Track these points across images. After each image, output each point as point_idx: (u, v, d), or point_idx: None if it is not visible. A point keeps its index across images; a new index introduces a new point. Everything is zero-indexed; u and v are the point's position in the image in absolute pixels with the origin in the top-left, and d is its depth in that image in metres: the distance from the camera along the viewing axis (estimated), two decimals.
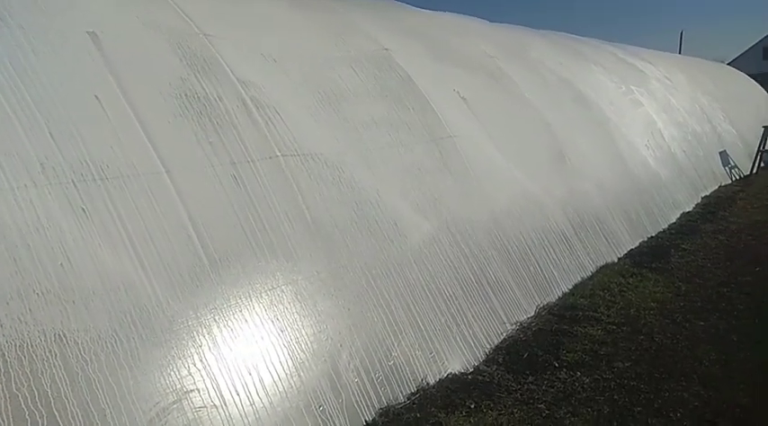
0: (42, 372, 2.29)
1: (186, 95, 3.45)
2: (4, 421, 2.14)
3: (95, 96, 3.07)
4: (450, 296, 4.09)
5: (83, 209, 2.68)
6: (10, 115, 2.70)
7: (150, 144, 3.09)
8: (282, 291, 3.17)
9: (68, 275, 2.51)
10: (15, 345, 2.27)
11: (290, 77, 4.22)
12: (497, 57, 7.03)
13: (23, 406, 2.20)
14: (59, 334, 2.38)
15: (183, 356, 2.65)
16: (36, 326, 2.33)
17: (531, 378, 3.61)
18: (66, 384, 2.32)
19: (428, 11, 7.40)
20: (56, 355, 2.34)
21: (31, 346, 2.30)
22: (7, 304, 2.31)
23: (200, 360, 2.69)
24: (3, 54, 2.89)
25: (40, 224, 2.53)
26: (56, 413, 2.25)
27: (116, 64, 3.28)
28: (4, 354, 2.23)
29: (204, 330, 2.77)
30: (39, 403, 2.23)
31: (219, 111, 3.53)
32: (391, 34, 5.77)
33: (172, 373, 2.58)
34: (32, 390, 2.24)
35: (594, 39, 11.95)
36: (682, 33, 39.25)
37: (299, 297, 3.23)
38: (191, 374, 2.63)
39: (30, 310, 2.34)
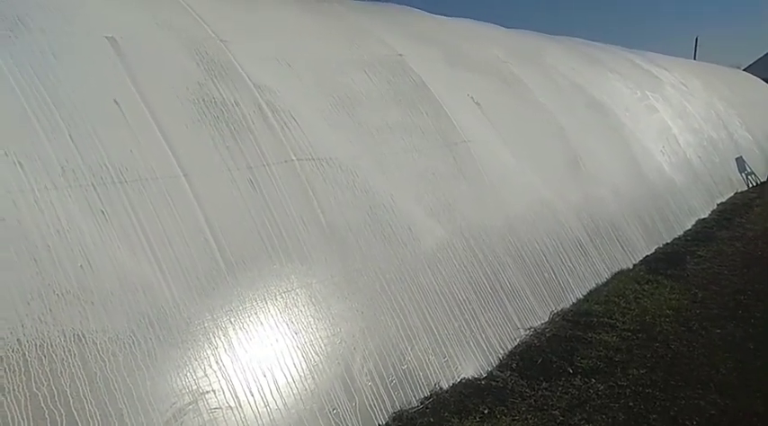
0: (62, 372, 2.32)
1: (204, 100, 3.49)
2: (24, 420, 2.18)
3: (114, 100, 3.12)
4: (464, 301, 4.09)
5: (102, 212, 2.72)
6: (31, 118, 2.75)
7: (169, 148, 3.13)
8: (297, 294, 3.19)
9: (87, 276, 2.54)
10: (36, 345, 2.30)
11: (304, 82, 4.26)
12: (511, 62, 7.03)
13: (43, 405, 2.23)
14: (78, 335, 2.42)
15: (200, 357, 2.67)
16: (56, 326, 2.37)
17: (545, 384, 3.59)
18: (85, 383, 2.35)
19: (441, 16, 7.42)
20: (75, 355, 2.37)
21: (51, 346, 2.33)
22: (28, 304, 2.34)
23: (216, 362, 2.71)
24: (24, 57, 2.94)
25: (60, 226, 2.57)
26: (74, 413, 2.28)
27: (134, 68, 3.33)
28: (24, 354, 2.27)
29: (220, 332, 2.79)
30: (58, 403, 2.26)
31: (236, 116, 3.56)
32: (404, 39, 5.79)
33: (188, 374, 2.60)
34: (52, 389, 2.27)
35: (609, 45, 11.91)
36: (696, 39, 38.84)
37: (313, 300, 3.24)
38: (206, 375, 2.66)
39: (50, 310, 2.38)
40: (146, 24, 3.69)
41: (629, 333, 4.27)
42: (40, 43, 3.08)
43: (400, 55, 5.43)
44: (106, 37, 3.39)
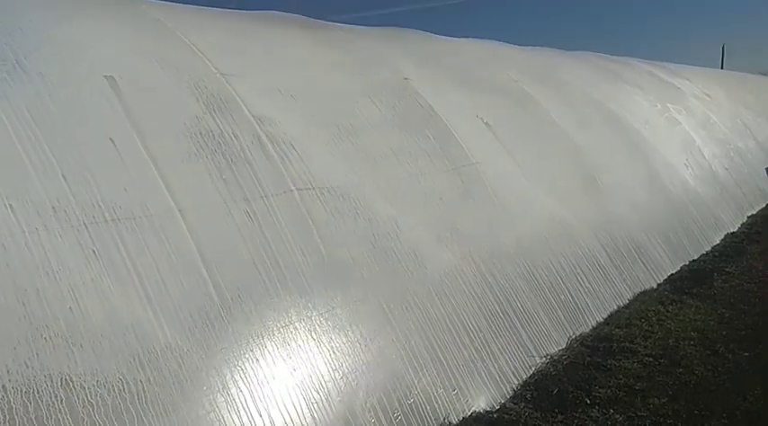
0: (48, 418, 2.28)
1: (201, 134, 3.48)
2: None
3: (111, 139, 3.12)
4: (475, 328, 3.96)
5: (93, 251, 2.70)
6: (25, 161, 2.76)
7: (163, 184, 3.11)
8: (296, 328, 3.12)
9: (77, 318, 2.51)
10: (21, 391, 2.27)
11: (307, 112, 4.23)
12: (523, 80, 6.94)
13: None
14: (66, 379, 2.38)
15: (192, 399, 2.61)
16: (42, 371, 2.33)
17: (560, 417, 3.42)
18: None
19: (450, 38, 7.38)
20: (62, 400, 2.33)
21: (37, 392, 2.29)
22: (14, 349, 2.32)
23: (210, 403, 2.64)
24: (21, 101, 2.97)
25: (50, 267, 2.55)
26: None
27: (132, 107, 3.34)
28: (9, 400, 2.23)
29: (214, 371, 2.72)
30: None
31: (234, 149, 3.54)
32: (412, 64, 5.76)
33: (180, 416, 2.54)
34: None
35: (628, 58, 11.72)
36: (723, 47, 38.10)
37: (312, 334, 3.16)
38: (199, 416, 2.59)
39: (36, 354, 2.35)
40: (146, 63, 3.72)
41: (651, 359, 4.07)
42: (37, 86, 3.10)
43: (406, 79, 5.40)
44: (105, 76, 3.41)
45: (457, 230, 4.42)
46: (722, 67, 32.24)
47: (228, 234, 3.17)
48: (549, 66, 8.16)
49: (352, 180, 4.03)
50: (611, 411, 3.45)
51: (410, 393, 3.36)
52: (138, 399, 2.49)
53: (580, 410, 3.49)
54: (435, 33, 7.46)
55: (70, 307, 2.52)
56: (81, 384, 2.40)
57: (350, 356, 3.24)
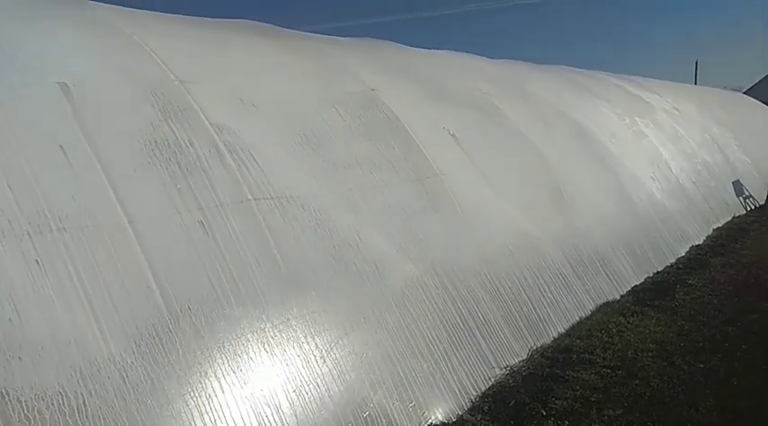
0: None
1: (156, 142, 3.44)
2: None
3: (60, 146, 3.06)
4: (435, 340, 3.95)
5: (36, 261, 2.64)
6: None
7: (113, 193, 3.06)
8: (248, 340, 3.07)
9: (16, 330, 2.45)
10: None
11: (269, 121, 4.21)
12: (491, 93, 6.99)
13: None
14: (2, 392, 2.31)
15: (134, 413, 2.55)
16: None
17: None
18: None
19: (421, 49, 7.42)
20: None
21: None
22: None
23: (154, 417, 2.59)
24: None
25: None
26: None
27: (84, 114, 3.28)
28: None
29: (159, 385, 2.67)
30: None
31: (189, 157, 3.50)
32: (380, 74, 5.77)
33: None
34: None
35: (598, 72, 11.91)
36: (697, 63, 38.87)
37: (265, 346, 3.12)
38: None
39: None
40: (102, 69, 3.66)
41: (609, 370, 4.10)
42: None
43: (373, 90, 5.40)
44: (58, 83, 3.35)
45: (420, 241, 4.42)
46: (695, 83, 32.95)
47: (180, 244, 3.13)
48: (518, 79, 8.25)
49: (312, 189, 4.01)
50: (567, 422, 3.46)
51: (365, 406, 3.33)
52: (78, 412, 2.43)
53: (535, 421, 3.49)
54: (409, 46, 7.51)
55: (10, 319, 2.45)
56: (17, 397, 2.33)
57: (304, 369, 3.21)
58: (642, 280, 6.36)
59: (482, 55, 8.73)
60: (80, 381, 2.49)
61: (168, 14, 5.12)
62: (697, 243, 8.16)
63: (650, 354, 4.34)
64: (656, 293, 5.85)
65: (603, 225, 6.61)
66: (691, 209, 8.95)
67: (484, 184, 5.49)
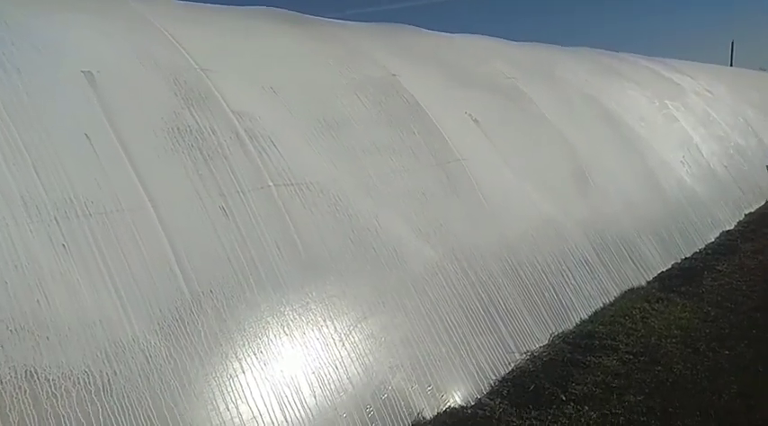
0: (11, 408, 2.30)
1: (178, 129, 3.50)
2: None
3: (85, 134, 3.14)
4: (454, 324, 3.96)
5: (63, 246, 2.72)
6: None
7: (137, 178, 3.13)
8: (268, 323, 3.13)
9: (44, 311, 2.54)
10: None
11: (289, 107, 4.24)
12: (516, 77, 6.91)
13: None
14: (30, 371, 2.40)
15: (158, 392, 2.63)
16: (6, 363, 2.36)
17: (534, 413, 3.43)
18: (35, 420, 2.33)
19: (442, 33, 7.35)
20: (25, 392, 2.35)
21: (1, 383, 2.32)
22: None
23: (176, 396, 2.66)
24: None
25: (18, 261, 2.57)
26: None
27: (109, 101, 3.35)
28: None
29: (181, 365, 2.74)
30: None
31: (211, 144, 3.56)
32: (400, 59, 5.75)
33: (144, 409, 2.56)
34: None
35: (628, 54, 11.63)
36: (732, 43, 37.70)
37: (285, 329, 3.18)
38: (164, 410, 2.61)
39: (1, 346, 2.37)
40: (125, 57, 3.73)
41: (631, 356, 4.07)
42: (14, 83, 3.12)
43: (394, 75, 5.39)
44: (83, 71, 3.43)
45: (440, 226, 4.42)
46: (731, 64, 31.92)
47: (202, 229, 3.19)
48: (542, 62, 8.12)
49: (332, 175, 4.04)
50: (586, 407, 3.45)
51: (384, 388, 3.37)
52: (104, 391, 2.51)
53: (555, 406, 3.49)
54: (430, 29, 7.46)
55: (38, 300, 2.54)
56: (45, 376, 2.42)
57: (323, 352, 3.26)
58: (669, 267, 6.26)
59: (503, 38, 8.63)
60: (105, 361, 2.58)
61: (192, 3, 5.17)
62: (728, 228, 7.97)
63: (674, 340, 4.29)
64: (682, 279, 5.76)
65: (630, 210, 6.51)
66: (722, 194, 8.74)
67: (506, 169, 5.44)
